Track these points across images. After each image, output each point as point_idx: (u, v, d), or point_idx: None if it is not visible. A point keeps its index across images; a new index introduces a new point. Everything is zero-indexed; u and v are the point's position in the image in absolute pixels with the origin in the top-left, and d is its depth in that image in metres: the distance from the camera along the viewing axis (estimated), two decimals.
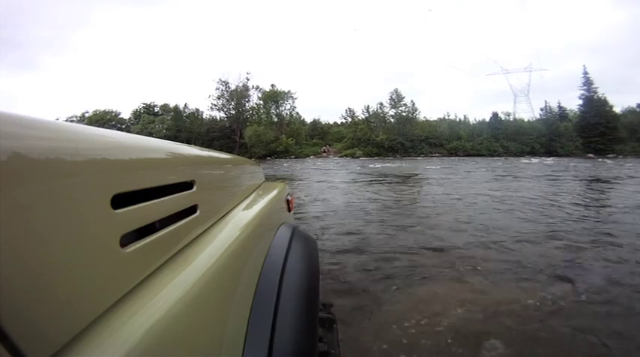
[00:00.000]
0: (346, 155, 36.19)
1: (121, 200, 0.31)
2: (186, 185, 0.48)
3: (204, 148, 0.73)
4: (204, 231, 0.51)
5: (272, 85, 44.21)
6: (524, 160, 23.44)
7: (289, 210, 1.11)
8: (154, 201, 0.38)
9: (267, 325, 0.50)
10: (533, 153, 35.47)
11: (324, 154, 38.67)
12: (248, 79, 44.90)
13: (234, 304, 0.47)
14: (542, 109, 40.86)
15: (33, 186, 0.23)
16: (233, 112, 44.29)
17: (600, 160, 24.79)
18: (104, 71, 76.41)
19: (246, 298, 0.52)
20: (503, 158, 29.52)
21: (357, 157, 34.48)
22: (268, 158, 33.59)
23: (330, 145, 40.88)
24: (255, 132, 39.07)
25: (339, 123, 44.91)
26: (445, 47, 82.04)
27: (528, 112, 43.10)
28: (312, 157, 36.52)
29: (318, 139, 42.51)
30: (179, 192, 0.45)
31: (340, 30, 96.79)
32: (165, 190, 0.41)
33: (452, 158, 30.02)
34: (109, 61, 78.16)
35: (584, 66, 40.46)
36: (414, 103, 40.69)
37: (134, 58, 79.79)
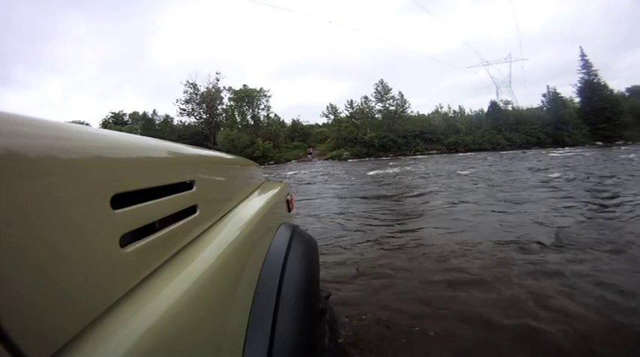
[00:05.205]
0: (332, 157, 31.82)
1: (121, 200, 0.31)
2: (186, 185, 0.48)
3: (204, 148, 0.71)
4: (204, 231, 0.51)
5: (244, 85, 39.74)
6: (552, 153, 19.10)
7: (289, 210, 1.09)
8: (153, 201, 0.38)
9: (267, 325, 0.50)
10: (539, 144, 32.18)
11: (310, 156, 34.19)
12: (218, 80, 40.75)
13: (234, 304, 0.46)
14: (544, 96, 37.68)
15: (33, 186, 0.23)
16: (205, 116, 39.94)
17: (623, 148, 21.17)
18: (73, 81, 70.05)
19: (246, 298, 0.51)
20: (512, 151, 25.64)
21: (345, 159, 30.22)
22: None
23: (312, 147, 36.43)
24: (228, 136, 34.45)
25: (320, 124, 40.58)
26: (424, 40, 79.00)
27: (512, 103, 39.96)
28: (293, 161, 31.93)
29: (299, 141, 37.97)
30: (179, 192, 0.45)
31: (314, 24, 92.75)
32: (165, 190, 0.41)
33: (457, 155, 25.65)
34: (78, 70, 71.64)
35: (580, 48, 37.45)
36: (402, 95, 36.68)
37: (103, 67, 73.24)
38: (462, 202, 5.03)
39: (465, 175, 9.50)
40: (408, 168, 13.90)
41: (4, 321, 0.19)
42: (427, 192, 6.35)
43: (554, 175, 7.96)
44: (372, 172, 12.45)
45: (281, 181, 1.22)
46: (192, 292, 0.35)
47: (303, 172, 16.18)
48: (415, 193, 6.35)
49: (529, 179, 7.43)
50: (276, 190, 1.00)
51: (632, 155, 14.49)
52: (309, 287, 0.67)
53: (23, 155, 0.23)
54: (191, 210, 0.47)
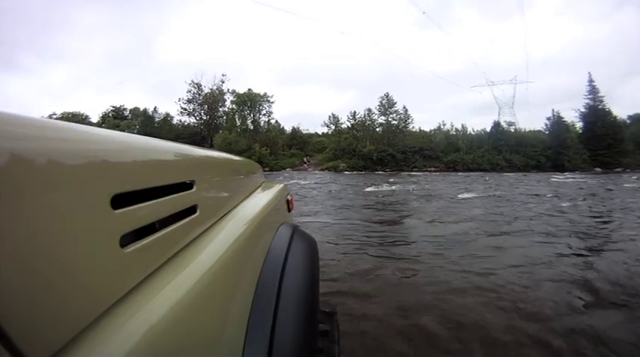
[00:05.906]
0: (328, 168, 31.36)
1: (121, 200, 0.31)
2: (186, 185, 0.48)
3: (204, 148, 0.72)
4: (204, 231, 0.51)
5: (249, 89, 39.51)
6: (554, 179, 18.11)
7: (289, 210, 1.10)
8: (153, 201, 0.38)
9: (267, 325, 0.51)
10: (538, 167, 31.79)
11: (306, 165, 33.71)
12: (223, 82, 40.38)
13: (234, 304, 0.47)
14: (548, 119, 37.27)
15: (33, 186, 0.23)
16: (205, 117, 39.70)
17: (625, 175, 20.57)
18: (76, 72, 70.19)
19: (246, 298, 0.52)
20: (513, 173, 25.07)
21: (341, 171, 29.75)
22: None
23: (310, 156, 35.99)
24: (225, 140, 34.08)
25: (320, 133, 40.25)
26: (430, 57, 79.32)
27: (512, 125, 39.55)
28: (288, 169, 31.44)
29: (296, 149, 37.51)
30: (179, 192, 0.45)
31: (320, 32, 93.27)
32: (165, 190, 0.41)
33: (458, 174, 24.80)
34: (82, 61, 71.72)
35: (589, 74, 37.24)
36: (406, 110, 36.32)
37: (107, 62, 73.19)
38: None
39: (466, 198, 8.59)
40: (404, 187, 12.96)
41: (4, 321, 0.19)
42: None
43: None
44: (367, 188, 11.82)
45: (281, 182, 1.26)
46: (193, 293, 0.35)
47: (298, 181, 15.53)
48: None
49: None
50: (276, 191, 1.01)
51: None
52: (310, 287, 0.67)
53: (23, 156, 0.23)
54: (191, 210, 0.47)
